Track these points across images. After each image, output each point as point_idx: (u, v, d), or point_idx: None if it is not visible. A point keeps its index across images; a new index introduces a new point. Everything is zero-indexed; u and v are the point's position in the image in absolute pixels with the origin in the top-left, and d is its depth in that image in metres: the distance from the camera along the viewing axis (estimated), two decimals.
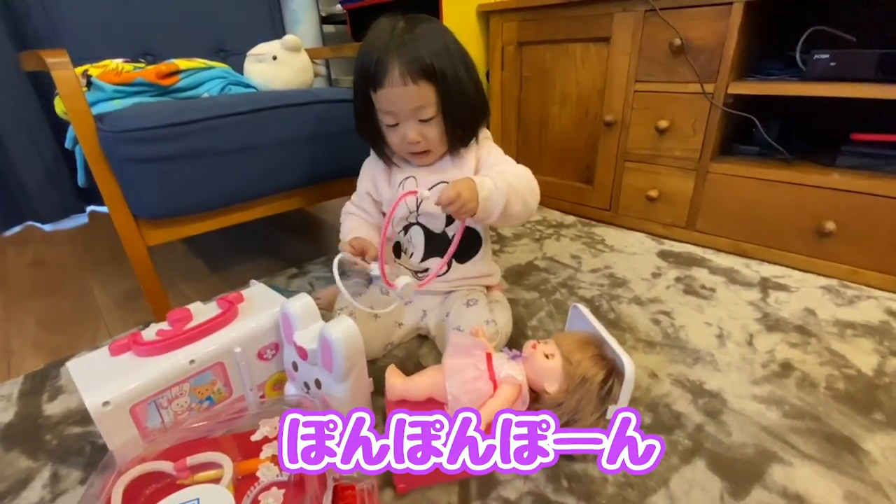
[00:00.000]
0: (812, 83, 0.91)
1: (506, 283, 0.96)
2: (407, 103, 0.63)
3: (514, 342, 0.75)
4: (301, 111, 0.85)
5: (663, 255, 1.09)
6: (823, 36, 0.97)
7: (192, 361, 0.56)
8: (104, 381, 0.52)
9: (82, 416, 0.67)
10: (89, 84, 0.91)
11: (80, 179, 0.96)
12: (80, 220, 1.58)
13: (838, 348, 0.75)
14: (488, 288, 0.82)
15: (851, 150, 0.98)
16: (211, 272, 1.17)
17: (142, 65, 1.05)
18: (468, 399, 0.52)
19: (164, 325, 0.62)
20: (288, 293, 0.68)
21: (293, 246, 1.31)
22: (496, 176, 0.62)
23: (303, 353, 0.57)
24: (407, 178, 0.73)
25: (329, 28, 2.12)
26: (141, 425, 0.53)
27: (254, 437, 0.50)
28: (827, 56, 0.90)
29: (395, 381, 0.55)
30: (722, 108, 1.01)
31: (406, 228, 0.76)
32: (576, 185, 1.35)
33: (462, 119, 0.66)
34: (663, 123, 1.09)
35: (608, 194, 1.28)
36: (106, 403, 0.50)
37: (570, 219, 1.33)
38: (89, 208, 1.63)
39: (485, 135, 0.74)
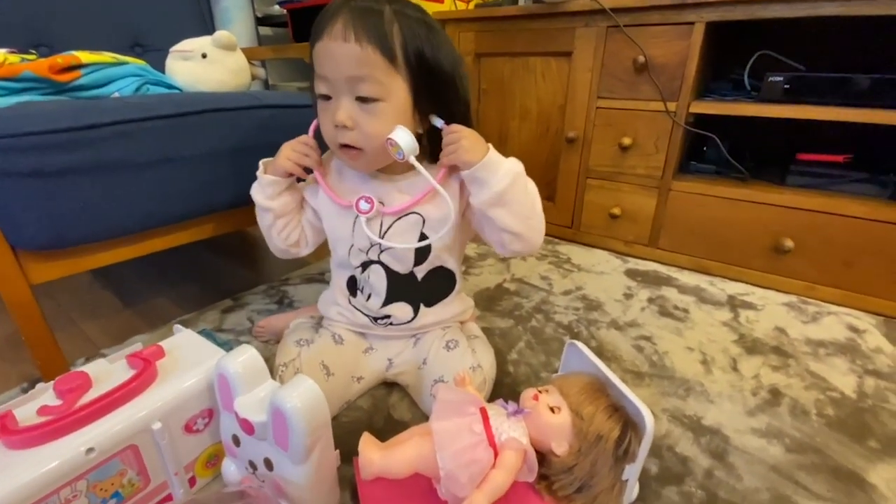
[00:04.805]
0: (769, 104, 0.93)
1: (477, 310, 0.88)
2: (342, 67, 0.49)
3: (495, 381, 0.66)
4: (239, 116, 0.72)
5: (631, 274, 1.07)
6: (767, 60, 1.00)
7: (90, 450, 0.41)
8: None
9: None
10: None
11: None
12: None
13: (817, 369, 0.74)
14: (461, 322, 0.73)
15: (799, 169, 1.01)
16: (123, 306, 0.98)
17: (32, 56, 0.85)
18: (468, 475, 0.42)
19: (50, 396, 0.46)
20: (226, 344, 0.54)
21: (227, 272, 1.14)
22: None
23: (247, 426, 0.45)
24: (360, 197, 0.58)
25: (266, 30, 1.96)
26: None
27: None
28: (780, 79, 0.93)
29: (373, 458, 0.44)
30: (684, 127, 1.01)
31: (364, 266, 0.62)
32: None
33: (448, 107, 0.54)
34: (627, 141, 1.08)
35: (570, 212, 1.24)
36: None
37: None
38: None
39: None
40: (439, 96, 0.53)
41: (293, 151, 0.58)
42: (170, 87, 0.97)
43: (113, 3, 1.09)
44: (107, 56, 0.90)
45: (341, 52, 0.48)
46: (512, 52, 1.20)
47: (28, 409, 0.44)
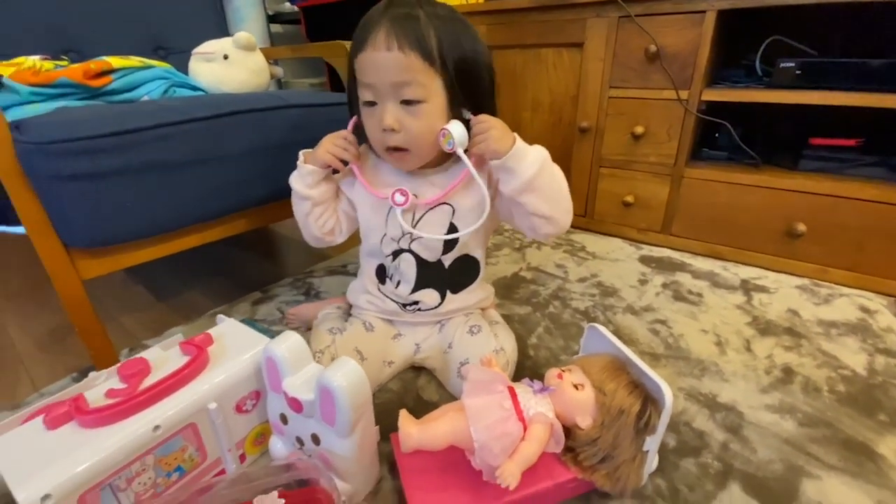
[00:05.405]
0: (781, 91, 0.94)
1: (496, 298, 0.91)
2: (387, 73, 0.52)
3: (516, 364, 0.70)
4: (268, 117, 0.75)
5: (644, 260, 1.09)
6: (779, 46, 1.00)
7: (156, 428, 0.45)
8: (40, 466, 0.40)
9: (8, 501, 0.53)
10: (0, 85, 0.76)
11: None
12: None
13: (828, 349, 0.76)
14: (482, 308, 0.76)
15: (812, 153, 1.02)
16: (157, 300, 1.03)
17: (65, 63, 0.89)
18: (500, 447, 0.45)
19: (112, 380, 0.51)
20: (267, 332, 0.58)
21: (252, 266, 1.19)
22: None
23: (296, 404, 0.48)
24: (396, 190, 0.62)
25: (276, 27, 1.99)
26: None
27: None
28: (792, 64, 0.94)
29: (411, 432, 0.47)
30: (696, 115, 1.02)
31: (395, 254, 0.66)
32: None
33: (479, 101, 0.57)
34: (639, 129, 1.09)
35: (583, 200, 1.27)
36: (46, 497, 0.38)
37: None
38: None
39: None
40: (472, 89, 0.56)
41: (333, 146, 0.61)
42: (194, 88, 1.01)
43: (135, 9, 1.12)
44: (135, 60, 0.94)
45: (385, 61, 0.51)
46: (523, 44, 1.21)
47: (95, 392, 0.48)
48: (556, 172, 0.59)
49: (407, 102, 0.54)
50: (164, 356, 0.54)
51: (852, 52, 0.91)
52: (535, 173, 0.55)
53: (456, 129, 0.55)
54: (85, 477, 0.41)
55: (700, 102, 1.02)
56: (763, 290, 0.95)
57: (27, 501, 0.38)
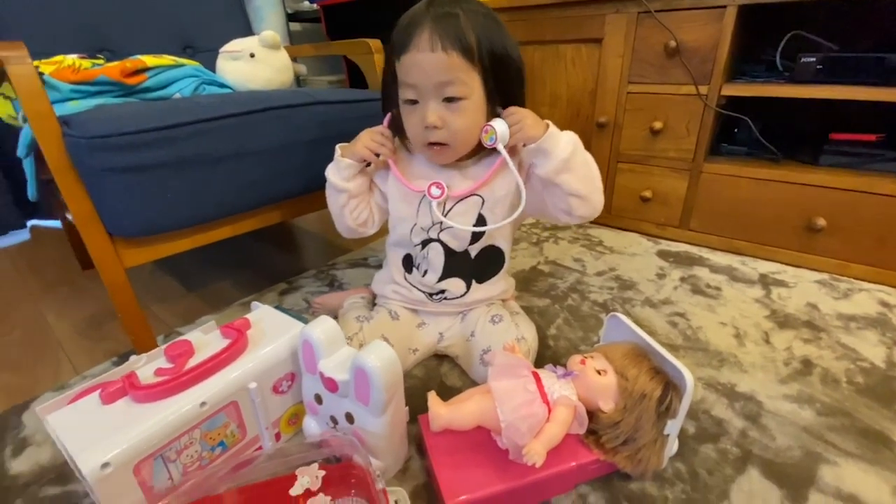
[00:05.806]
0: (802, 85, 0.94)
1: (515, 291, 0.93)
2: (431, 74, 0.54)
3: (537, 354, 0.72)
4: (298, 113, 0.78)
5: (662, 255, 1.10)
6: (800, 40, 1.00)
7: (203, 404, 0.48)
8: (99, 437, 0.43)
9: (59, 473, 0.57)
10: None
11: (31, 192, 0.84)
12: (20, 236, 1.40)
13: (848, 342, 0.77)
14: (503, 300, 0.78)
15: (832, 149, 1.02)
16: (186, 291, 1.07)
17: (101, 61, 0.93)
18: (527, 426, 0.47)
19: (154, 362, 0.54)
20: (302, 318, 0.61)
21: (275, 258, 1.22)
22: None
23: (331, 384, 0.51)
24: (432, 184, 0.64)
25: (295, 26, 2.02)
26: (146, 485, 0.45)
27: (293, 491, 0.44)
28: (813, 59, 0.94)
29: (440, 412, 0.50)
30: (716, 110, 1.02)
31: (424, 243, 0.68)
32: None
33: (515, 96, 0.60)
34: (658, 125, 1.10)
35: None
36: (105, 465, 0.41)
37: None
38: (31, 223, 1.45)
39: None
40: (506, 84, 0.58)
41: (371, 140, 0.63)
42: (222, 85, 1.04)
43: (164, 9, 1.16)
44: (167, 59, 0.97)
45: (429, 62, 0.53)
46: (542, 39, 1.22)
47: (144, 371, 0.52)
48: (588, 157, 0.61)
49: (449, 100, 0.56)
50: (205, 339, 0.57)
51: (873, 47, 0.91)
52: (570, 153, 0.57)
53: (500, 126, 0.57)
54: (140, 447, 0.44)
55: (720, 97, 1.02)
56: (782, 284, 0.95)
57: (89, 469, 0.41)
